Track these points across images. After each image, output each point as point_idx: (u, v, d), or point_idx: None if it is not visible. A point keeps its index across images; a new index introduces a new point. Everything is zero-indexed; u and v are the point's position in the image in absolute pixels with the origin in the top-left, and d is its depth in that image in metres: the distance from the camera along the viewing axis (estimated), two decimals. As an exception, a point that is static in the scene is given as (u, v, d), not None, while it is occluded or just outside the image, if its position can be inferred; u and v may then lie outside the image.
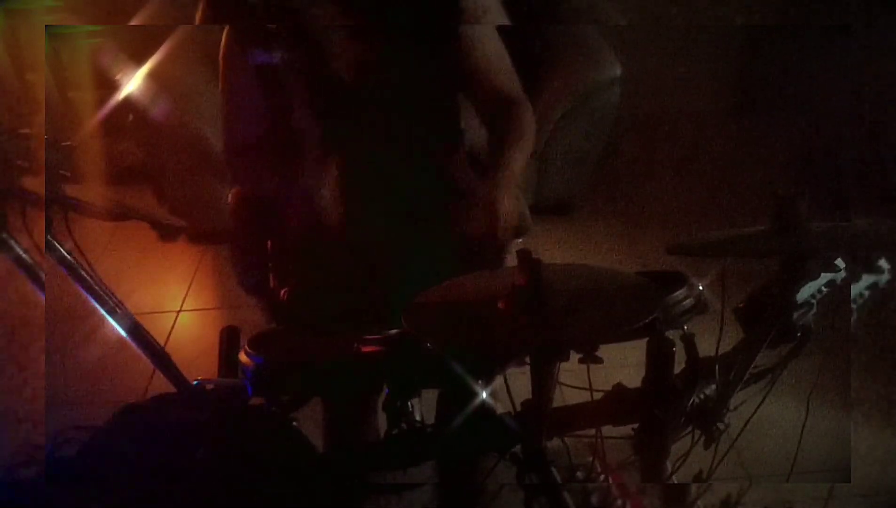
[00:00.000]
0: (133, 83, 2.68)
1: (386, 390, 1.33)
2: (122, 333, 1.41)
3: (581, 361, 1.12)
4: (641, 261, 3.03)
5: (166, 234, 1.40)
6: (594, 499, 1.42)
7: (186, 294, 3.03)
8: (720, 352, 1.38)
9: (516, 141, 1.51)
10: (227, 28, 1.48)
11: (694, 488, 1.39)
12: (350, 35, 1.45)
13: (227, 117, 1.58)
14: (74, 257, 1.32)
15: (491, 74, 1.55)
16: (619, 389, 1.36)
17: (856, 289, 1.44)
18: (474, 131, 1.66)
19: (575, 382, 1.32)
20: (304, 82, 1.45)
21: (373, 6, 1.43)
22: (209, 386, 1.35)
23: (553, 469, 1.25)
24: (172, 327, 2.84)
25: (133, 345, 1.44)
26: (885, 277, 1.46)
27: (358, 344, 1.30)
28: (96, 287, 1.35)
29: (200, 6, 1.47)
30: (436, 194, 1.55)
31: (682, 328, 1.31)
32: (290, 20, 1.40)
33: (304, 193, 1.55)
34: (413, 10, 1.43)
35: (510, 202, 1.42)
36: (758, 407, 1.41)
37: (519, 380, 1.27)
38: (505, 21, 1.58)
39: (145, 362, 1.46)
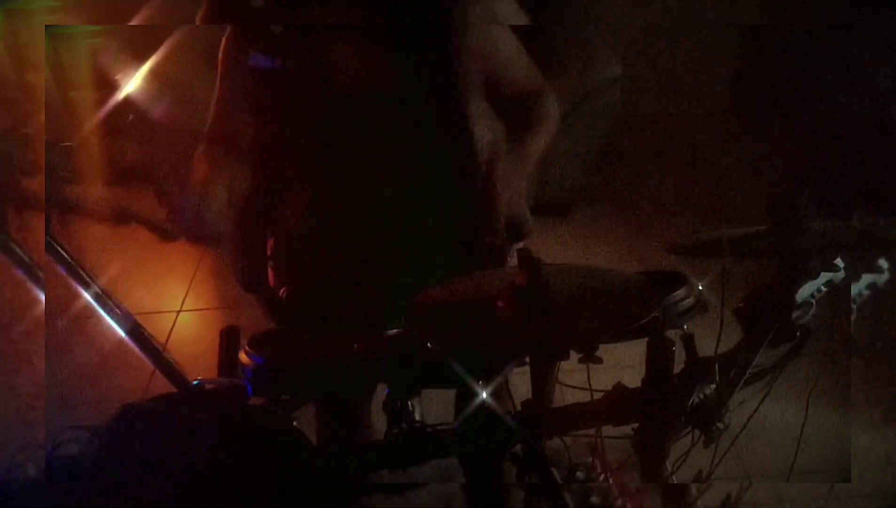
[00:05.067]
0: (133, 83, 2.68)
1: (386, 390, 1.33)
2: (122, 333, 1.41)
3: (581, 361, 1.12)
4: (641, 261, 3.03)
5: (166, 234, 1.40)
6: (594, 499, 1.42)
7: (186, 294, 3.03)
8: (720, 352, 1.38)
9: (534, 132, 1.54)
10: (228, 29, 1.47)
11: (694, 488, 1.39)
12: (357, 40, 1.44)
13: (217, 114, 1.57)
14: (74, 258, 1.32)
15: (511, 75, 1.55)
16: (619, 389, 1.36)
17: (856, 289, 1.44)
18: (486, 137, 1.66)
19: (575, 382, 1.32)
20: (307, 88, 1.44)
21: (382, 9, 1.43)
22: (209, 386, 1.35)
23: (553, 469, 1.24)
24: (172, 327, 2.84)
25: (133, 345, 1.44)
26: (885, 277, 1.46)
27: (358, 344, 1.30)
28: (96, 287, 1.35)
29: (203, 7, 1.47)
30: (439, 196, 1.55)
31: (682, 328, 1.31)
32: (294, 23, 1.39)
33: (302, 195, 1.55)
34: (422, 12, 1.43)
35: (509, 204, 1.44)
36: (757, 407, 1.41)
37: (519, 380, 1.27)
38: (519, 16, 1.58)
39: (145, 362, 1.46)
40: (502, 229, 1.44)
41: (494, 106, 1.57)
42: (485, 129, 1.55)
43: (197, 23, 1.48)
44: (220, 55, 1.51)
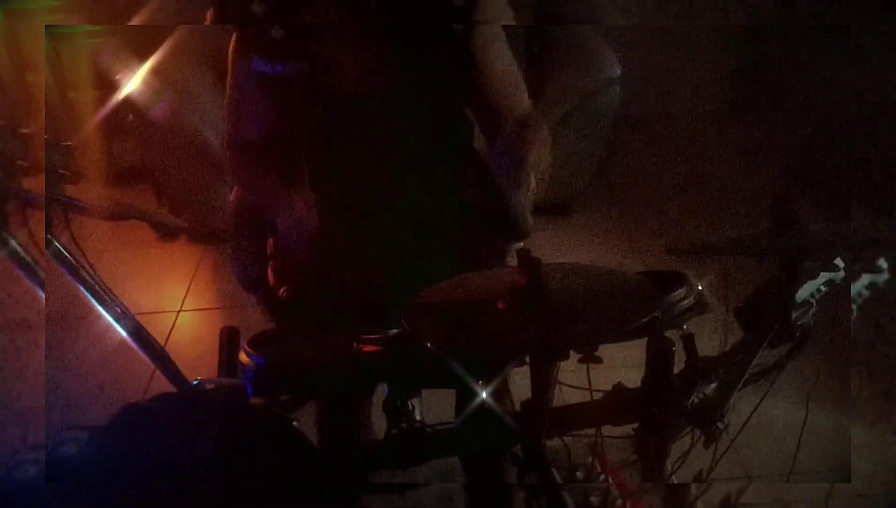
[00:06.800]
0: (133, 83, 2.68)
1: (386, 390, 1.33)
2: (123, 333, 1.41)
3: (581, 361, 1.12)
4: (641, 261, 3.03)
5: (166, 234, 1.40)
6: (594, 499, 1.42)
7: (186, 294, 3.03)
8: (720, 352, 1.38)
9: (529, 161, 1.51)
10: (234, 34, 1.48)
11: (694, 488, 1.39)
12: (358, 43, 1.44)
13: (231, 118, 1.58)
14: (74, 257, 1.32)
15: (501, 94, 1.53)
16: (619, 389, 1.36)
17: (856, 289, 1.44)
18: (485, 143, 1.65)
19: (575, 382, 1.32)
20: (309, 91, 1.44)
21: (383, 12, 1.42)
22: (209, 386, 1.35)
23: (553, 469, 1.25)
24: (172, 327, 2.84)
25: (133, 345, 1.44)
26: (885, 277, 1.46)
27: (358, 344, 1.30)
28: (96, 287, 1.35)
29: (209, 13, 1.47)
30: (439, 198, 1.55)
31: (682, 328, 1.31)
32: (296, 28, 1.39)
33: (303, 197, 1.55)
34: (424, 15, 1.42)
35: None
36: (757, 407, 1.42)
37: (519, 380, 1.27)
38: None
39: (145, 362, 1.46)
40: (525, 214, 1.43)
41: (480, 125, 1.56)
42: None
43: (206, 23, 1.48)
44: (229, 60, 1.52)
